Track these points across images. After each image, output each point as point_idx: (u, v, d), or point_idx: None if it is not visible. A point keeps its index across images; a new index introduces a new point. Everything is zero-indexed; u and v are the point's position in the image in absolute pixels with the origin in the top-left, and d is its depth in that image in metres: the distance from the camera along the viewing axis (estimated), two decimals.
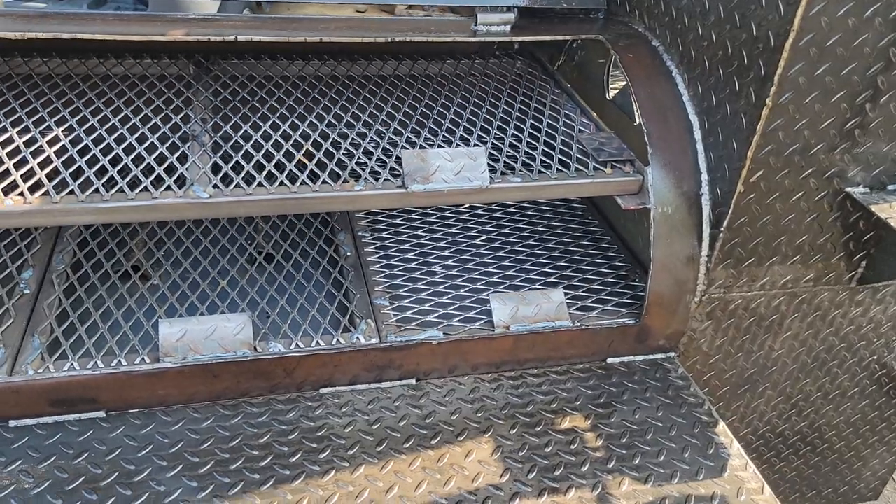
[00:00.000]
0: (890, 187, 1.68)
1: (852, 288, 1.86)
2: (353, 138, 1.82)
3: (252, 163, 1.65)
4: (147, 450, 1.45)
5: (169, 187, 1.49)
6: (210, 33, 1.69)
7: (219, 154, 1.66)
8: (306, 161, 1.69)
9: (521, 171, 1.71)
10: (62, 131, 1.67)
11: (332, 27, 1.81)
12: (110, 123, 1.73)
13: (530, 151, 1.81)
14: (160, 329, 1.53)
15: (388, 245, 2.03)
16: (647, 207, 1.70)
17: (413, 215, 2.19)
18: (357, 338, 1.63)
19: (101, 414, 1.52)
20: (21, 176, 1.47)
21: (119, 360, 1.51)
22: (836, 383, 2.10)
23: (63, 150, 1.60)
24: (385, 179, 1.61)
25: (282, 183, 1.55)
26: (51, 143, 1.61)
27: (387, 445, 1.52)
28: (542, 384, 1.74)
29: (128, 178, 1.52)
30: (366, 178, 1.60)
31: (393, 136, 1.87)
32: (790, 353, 1.97)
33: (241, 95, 1.94)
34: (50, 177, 1.49)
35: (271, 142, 1.74)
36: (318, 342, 1.61)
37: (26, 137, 1.62)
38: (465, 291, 1.88)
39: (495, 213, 2.27)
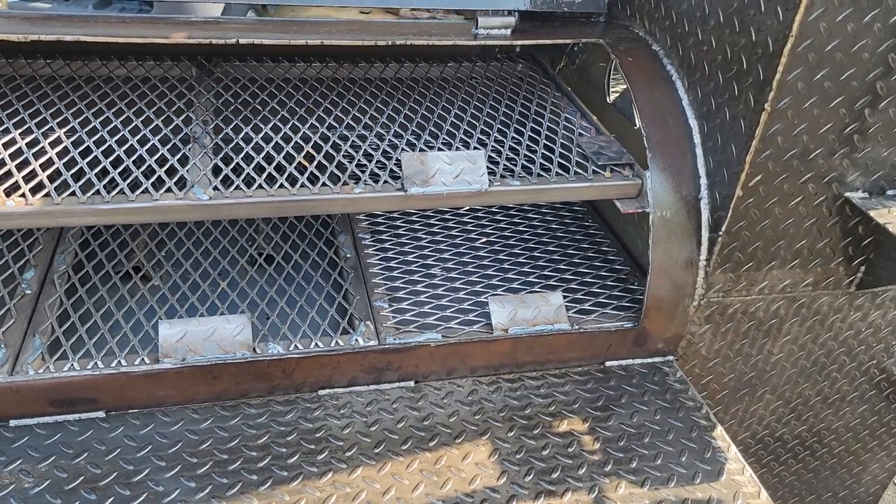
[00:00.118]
0: (889, 192, 1.68)
1: (851, 293, 1.86)
2: (353, 141, 1.83)
3: (253, 165, 1.66)
4: (146, 450, 1.46)
5: (169, 189, 1.50)
6: (212, 36, 1.70)
7: (220, 156, 1.67)
8: (306, 163, 1.70)
9: (520, 174, 1.72)
10: (64, 133, 1.68)
11: (333, 30, 1.81)
12: (112, 125, 1.74)
13: (530, 155, 1.81)
14: (160, 330, 1.54)
15: (388, 247, 2.04)
16: (645, 211, 1.70)
17: (413, 217, 2.20)
18: (356, 340, 1.64)
19: (101, 414, 1.53)
20: (23, 177, 1.48)
21: (119, 361, 1.52)
22: (835, 388, 2.10)
23: (65, 151, 1.61)
24: (384, 182, 1.62)
25: (281, 185, 1.56)
26: (53, 144, 1.62)
27: (384, 447, 1.53)
28: (540, 387, 1.74)
29: (129, 180, 1.53)
30: (365, 180, 1.61)
31: (393, 139, 1.88)
32: (789, 358, 1.97)
33: (243, 98, 1.95)
34: (52, 178, 1.50)
35: (272, 144, 1.74)
36: (316, 344, 1.61)
37: (29, 139, 1.63)
38: (465, 294, 1.89)
39: (496, 216, 2.27)
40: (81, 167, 1.56)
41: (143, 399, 1.54)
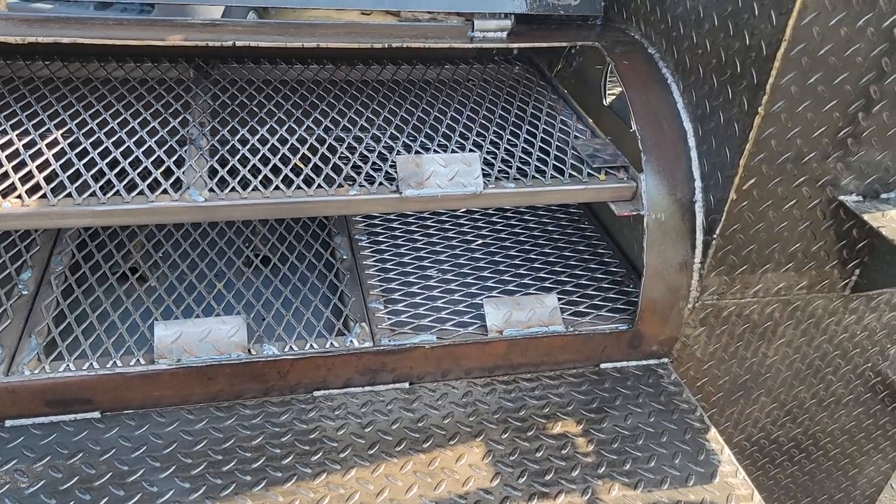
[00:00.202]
0: (883, 196, 1.68)
1: (846, 296, 1.87)
2: (349, 143, 1.84)
3: (249, 167, 1.66)
4: (141, 450, 1.47)
5: (165, 191, 1.50)
6: (208, 38, 1.71)
7: (216, 158, 1.68)
8: (302, 165, 1.71)
9: (515, 176, 1.72)
10: (61, 134, 1.69)
11: (330, 33, 1.82)
12: (109, 127, 1.75)
13: (525, 157, 1.82)
14: (155, 331, 1.55)
15: (384, 249, 2.04)
16: (640, 214, 1.71)
17: (410, 219, 2.21)
18: (351, 341, 1.65)
19: (97, 414, 1.54)
20: (20, 179, 1.49)
21: (114, 362, 1.52)
22: (830, 390, 2.10)
23: (62, 153, 1.62)
24: (379, 184, 1.62)
25: (277, 187, 1.57)
26: (50, 146, 1.63)
27: (378, 448, 1.53)
28: (534, 389, 1.75)
29: (125, 182, 1.53)
30: (361, 182, 1.61)
31: (389, 141, 1.89)
32: (784, 360, 1.98)
33: (240, 99, 1.96)
34: (48, 180, 1.51)
35: (268, 146, 1.75)
36: (311, 345, 1.62)
37: (26, 140, 1.64)
38: (460, 296, 1.89)
39: (492, 218, 2.28)
40: (78, 169, 1.57)
41: (138, 400, 1.55)
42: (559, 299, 1.79)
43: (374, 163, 1.76)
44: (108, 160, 1.60)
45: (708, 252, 1.70)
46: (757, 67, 1.48)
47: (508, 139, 1.91)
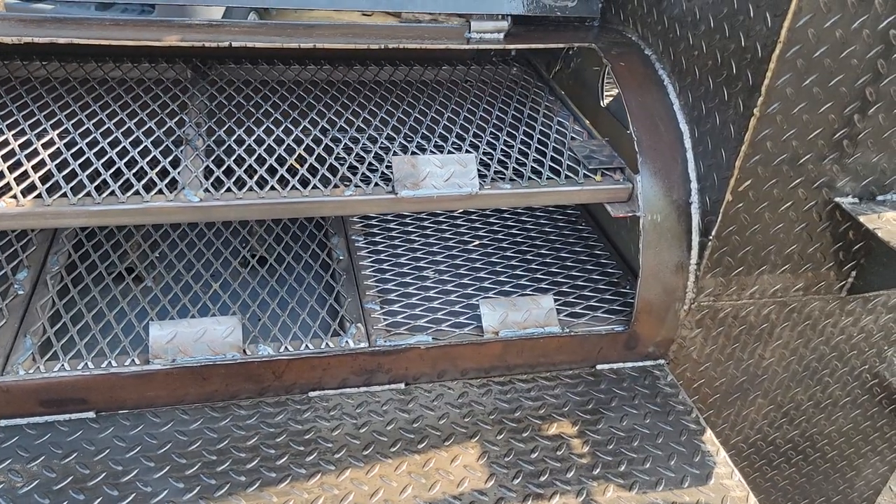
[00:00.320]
0: (879, 198, 1.68)
1: (843, 298, 1.86)
2: (345, 143, 1.84)
3: (244, 167, 1.66)
4: (135, 450, 1.47)
5: (160, 191, 1.51)
6: (204, 39, 1.71)
7: (212, 158, 1.68)
8: (298, 166, 1.71)
9: (511, 177, 1.72)
10: (57, 134, 1.69)
11: (326, 34, 1.82)
12: (105, 127, 1.75)
13: (521, 158, 1.82)
14: (150, 331, 1.55)
15: (381, 250, 2.04)
16: (636, 215, 1.71)
17: (407, 220, 2.21)
18: (346, 342, 1.65)
19: (91, 414, 1.54)
20: (15, 178, 1.49)
21: (109, 362, 1.52)
22: (827, 392, 2.10)
23: (57, 153, 1.62)
24: (375, 185, 1.62)
25: (272, 187, 1.57)
26: (46, 146, 1.63)
27: (373, 449, 1.53)
28: (530, 390, 1.74)
29: (120, 182, 1.53)
30: (356, 183, 1.61)
31: (385, 142, 1.89)
32: (780, 362, 1.98)
33: (237, 100, 1.96)
34: (44, 180, 1.51)
35: (264, 146, 1.75)
36: (307, 345, 1.62)
37: (22, 140, 1.64)
38: (456, 297, 1.89)
39: (489, 219, 2.28)
40: (73, 169, 1.57)
41: (133, 400, 1.55)
42: (555, 300, 1.79)
43: (370, 164, 1.76)
44: (103, 160, 1.61)
45: (704, 253, 1.70)
46: (752, 69, 1.48)
47: (505, 140, 1.92)
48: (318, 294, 1.86)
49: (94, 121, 1.76)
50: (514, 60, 2.40)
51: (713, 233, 1.66)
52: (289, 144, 1.78)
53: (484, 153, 1.86)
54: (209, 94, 1.96)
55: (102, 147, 1.66)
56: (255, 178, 1.60)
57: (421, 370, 1.71)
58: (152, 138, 1.71)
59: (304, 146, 1.79)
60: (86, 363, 1.51)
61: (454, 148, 1.88)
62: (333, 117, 1.96)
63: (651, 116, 1.76)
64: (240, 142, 1.76)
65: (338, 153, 1.78)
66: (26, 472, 1.39)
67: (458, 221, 2.25)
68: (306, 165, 1.70)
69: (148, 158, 1.63)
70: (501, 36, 1.93)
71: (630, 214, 1.72)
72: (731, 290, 1.77)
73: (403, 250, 2.06)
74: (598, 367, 1.83)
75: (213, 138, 1.77)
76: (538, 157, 1.83)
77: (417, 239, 2.14)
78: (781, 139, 1.54)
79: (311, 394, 1.65)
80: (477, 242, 2.16)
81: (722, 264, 1.72)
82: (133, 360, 1.53)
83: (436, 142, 1.92)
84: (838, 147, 1.58)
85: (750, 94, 1.50)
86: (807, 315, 1.88)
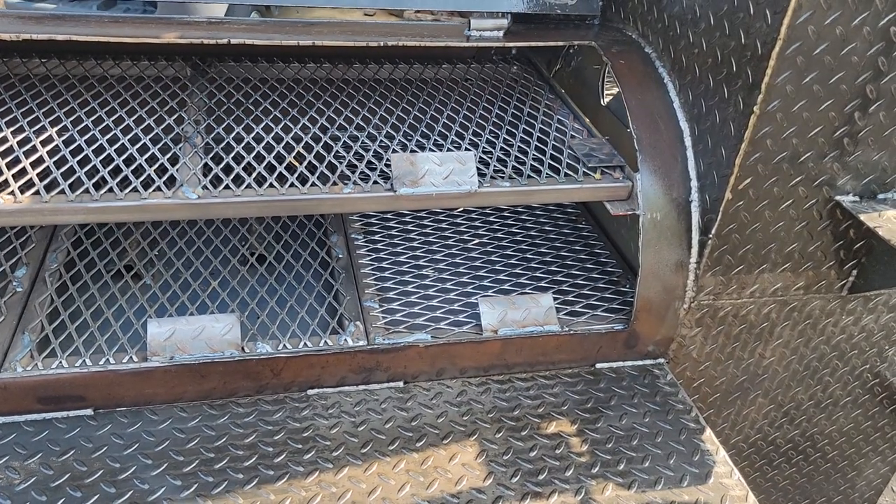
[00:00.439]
0: (880, 196, 1.68)
1: (843, 297, 1.86)
2: (344, 141, 1.84)
3: (243, 164, 1.66)
4: (133, 448, 1.46)
5: (158, 188, 1.50)
6: (203, 36, 1.70)
7: (210, 155, 1.67)
8: (297, 163, 1.70)
9: (510, 175, 1.72)
10: (56, 131, 1.69)
11: (326, 31, 1.82)
12: (104, 124, 1.75)
13: (521, 156, 1.81)
14: (149, 328, 1.54)
15: (380, 248, 2.04)
16: (636, 213, 1.70)
17: (406, 218, 2.20)
18: (345, 340, 1.64)
19: (89, 412, 1.53)
20: (13, 175, 1.49)
21: (107, 359, 1.52)
22: (827, 392, 2.09)
23: (56, 150, 1.62)
24: (374, 182, 1.62)
25: (271, 185, 1.57)
26: (44, 143, 1.63)
27: (371, 447, 1.53)
28: (529, 388, 1.74)
29: (119, 179, 1.53)
30: (355, 181, 1.61)
31: (384, 140, 1.89)
32: (781, 361, 1.97)
33: (236, 98, 1.96)
34: (42, 176, 1.51)
35: (263, 144, 1.75)
36: (305, 343, 1.61)
37: (20, 137, 1.64)
38: (455, 295, 1.89)
39: (489, 217, 2.28)
40: (72, 166, 1.56)
41: (131, 397, 1.55)
42: (555, 299, 1.78)
43: (369, 161, 1.76)
44: (102, 157, 1.60)
45: (704, 252, 1.70)
46: (752, 66, 1.48)
47: (504, 138, 1.91)
48: (316, 292, 1.85)
49: (92, 118, 1.76)
50: (515, 59, 2.39)
51: (713, 231, 1.66)
52: (288, 142, 1.78)
53: (483, 151, 1.85)
54: (208, 92, 1.96)
55: (101, 144, 1.66)
56: (254, 175, 1.60)
57: (420, 368, 1.70)
58: (151, 136, 1.71)
59: (303, 144, 1.78)
60: (84, 360, 1.51)
61: (453, 146, 1.88)
62: (333, 115, 1.95)
63: (651, 114, 1.75)
64: (239, 139, 1.76)
65: (337, 151, 1.77)
66: (24, 470, 1.39)
67: (458, 220, 2.24)
68: (305, 163, 1.70)
69: (146, 156, 1.62)
70: (501, 34, 1.93)
71: (630, 213, 1.72)
72: (732, 288, 1.76)
73: (403, 249, 2.06)
74: (598, 365, 1.83)
75: (212, 136, 1.77)
76: (538, 155, 1.82)
77: (417, 237, 2.13)
78: (782, 137, 1.53)
79: (310, 392, 1.65)
80: (476, 241, 2.15)
81: (722, 263, 1.71)
82: (131, 357, 1.53)
83: (435, 140, 1.91)
84: (839, 145, 1.57)
85: (750, 92, 1.49)
86: (807, 314, 1.88)
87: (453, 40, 1.90)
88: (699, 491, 1.51)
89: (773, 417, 2.12)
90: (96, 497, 1.35)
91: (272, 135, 1.79)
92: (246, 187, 1.54)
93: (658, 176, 1.70)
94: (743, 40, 1.50)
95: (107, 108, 1.81)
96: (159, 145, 1.67)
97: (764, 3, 1.43)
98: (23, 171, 1.52)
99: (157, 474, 1.42)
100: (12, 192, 1.43)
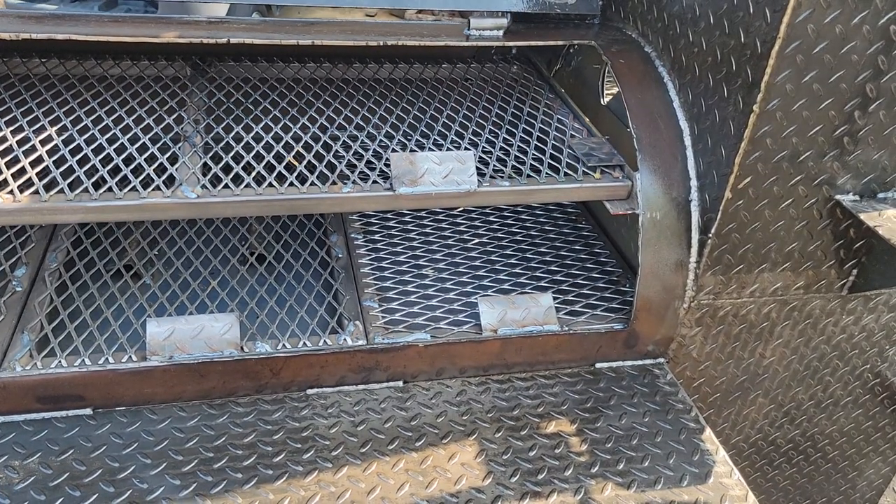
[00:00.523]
0: (880, 195, 1.67)
1: (843, 296, 1.85)
2: (344, 141, 1.84)
3: (242, 164, 1.66)
4: (132, 447, 1.46)
5: (158, 187, 1.50)
6: (202, 35, 1.70)
7: (209, 155, 1.67)
8: (296, 163, 1.70)
9: (510, 175, 1.72)
10: (55, 131, 1.69)
11: (326, 31, 1.82)
12: (104, 124, 1.75)
13: (520, 156, 1.81)
14: (148, 328, 1.54)
15: (379, 247, 2.04)
16: (635, 213, 1.70)
17: (406, 218, 2.20)
18: (344, 339, 1.64)
19: (88, 411, 1.53)
20: (12, 174, 1.49)
21: (107, 359, 1.52)
22: (828, 392, 2.09)
23: (55, 149, 1.62)
24: (373, 182, 1.62)
25: (270, 184, 1.56)
26: (43, 142, 1.63)
27: (371, 447, 1.53)
28: (529, 388, 1.74)
29: (118, 178, 1.53)
30: (355, 180, 1.61)
31: (384, 140, 1.89)
32: (781, 361, 1.97)
33: (236, 97, 1.96)
34: (41, 175, 1.51)
35: (263, 143, 1.75)
36: (305, 343, 1.61)
37: (19, 137, 1.64)
38: (455, 294, 1.89)
39: (489, 217, 2.27)
40: (71, 165, 1.56)
41: (130, 397, 1.55)
42: (555, 298, 1.78)
43: (368, 161, 1.76)
44: (101, 157, 1.60)
45: (703, 251, 1.70)
46: (752, 65, 1.48)
47: (504, 138, 1.91)
48: (316, 292, 1.85)
49: (92, 118, 1.76)
50: (515, 58, 2.39)
51: (713, 230, 1.66)
52: (287, 141, 1.78)
53: (483, 151, 1.85)
54: (208, 92, 1.96)
55: (100, 144, 1.66)
56: (253, 174, 1.60)
57: (419, 368, 1.70)
58: (150, 135, 1.71)
59: (302, 143, 1.78)
60: (83, 360, 1.51)
61: (453, 145, 1.87)
62: (332, 114, 1.95)
63: (651, 114, 1.75)
64: (238, 139, 1.76)
65: (336, 150, 1.77)
66: (23, 469, 1.39)
67: (458, 220, 2.24)
68: (304, 162, 1.70)
69: (146, 155, 1.62)
70: (501, 33, 1.93)
71: (629, 212, 1.71)
72: (731, 288, 1.76)
73: (402, 248, 2.06)
74: (598, 365, 1.82)
75: (212, 135, 1.77)
76: (537, 154, 1.82)
77: (416, 237, 2.13)
78: (781, 136, 1.53)
79: (309, 391, 1.65)
80: (476, 241, 2.15)
81: (722, 262, 1.71)
82: (130, 356, 1.53)
83: (435, 139, 1.91)
84: (839, 144, 1.57)
85: (749, 91, 1.49)
86: (807, 314, 1.87)
87: (453, 40, 1.90)
88: (699, 491, 1.51)
89: (773, 417, 2.12)
90: (95, 496, 1.35)
91: (271, 134, 1.79)
92: (245, 187, 1.54)
93: (658, 175, 1.70)
94: (742, 39, 1.50)
95: (106, 108, 1.81)
96: (158, 145, 1.67)
97: (763, 1, 1.43)
98: (22, 171, 1.52)
99: (156, 474, 1.42)
100: (11, 192, 1.43)
